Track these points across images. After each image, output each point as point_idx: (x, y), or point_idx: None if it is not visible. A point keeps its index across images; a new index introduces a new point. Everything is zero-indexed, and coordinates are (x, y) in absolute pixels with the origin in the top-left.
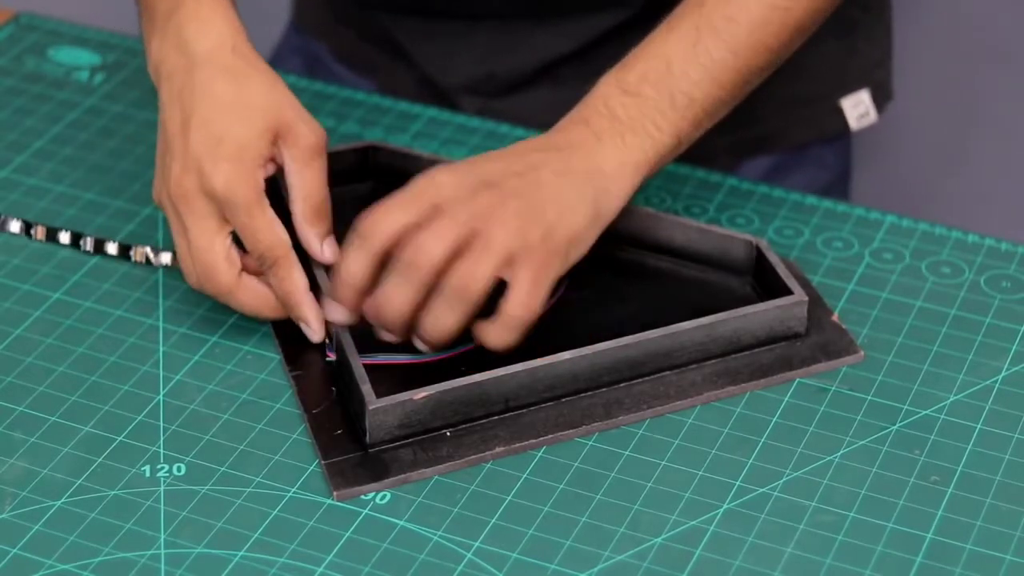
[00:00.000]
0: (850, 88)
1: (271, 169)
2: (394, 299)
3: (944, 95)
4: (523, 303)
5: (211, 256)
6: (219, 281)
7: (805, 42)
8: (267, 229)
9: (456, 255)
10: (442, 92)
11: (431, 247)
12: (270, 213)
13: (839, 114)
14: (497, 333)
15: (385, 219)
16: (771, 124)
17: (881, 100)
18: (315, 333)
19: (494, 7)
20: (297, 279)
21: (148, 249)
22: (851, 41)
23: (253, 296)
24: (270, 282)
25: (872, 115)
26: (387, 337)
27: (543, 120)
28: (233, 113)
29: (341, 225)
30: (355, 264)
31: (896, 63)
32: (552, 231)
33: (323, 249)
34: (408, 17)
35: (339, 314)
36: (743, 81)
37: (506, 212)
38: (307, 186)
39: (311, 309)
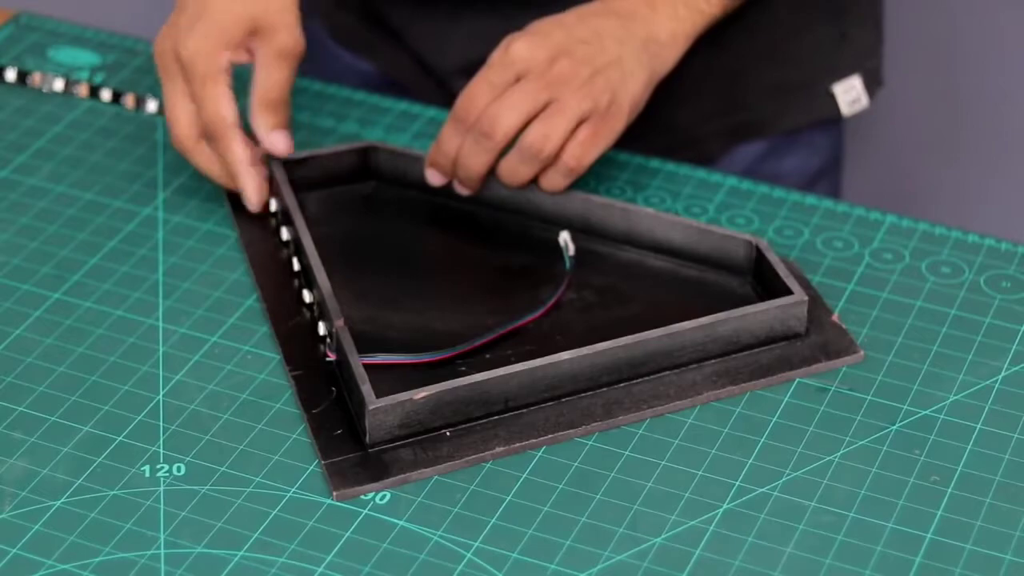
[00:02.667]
0: (841, 74)
1: (244, 57)
2: (472, 162)
3: (935, 82)
4: (578, 156)
5: (174, 115)
6: (179, 138)
7: (796, 27)
8: (213, 102)
9: (530, 119)
10: (438, 74)
11: (505, 118)
12: (223, 90)
13: (831, 99)
14: (551, 179)
15: (475, 100)
16: (763, 109)
17: (872, 86)
18: (252, 204)
19: None
20: (237, 152)
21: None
22: (842, 27)
23: (208, 160)
24: (216, 151)
25: (864, 101)
26: (464, 192)
27: None
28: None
29: (339, 223)
30: (449, 141)
31: (886, 50)
32: (617, 97)
33: (271, 137)
34: (401, 1)
35: (437, 179)
36: None
37: (579, 80)
38: (266, 82)
39: (251, 180)
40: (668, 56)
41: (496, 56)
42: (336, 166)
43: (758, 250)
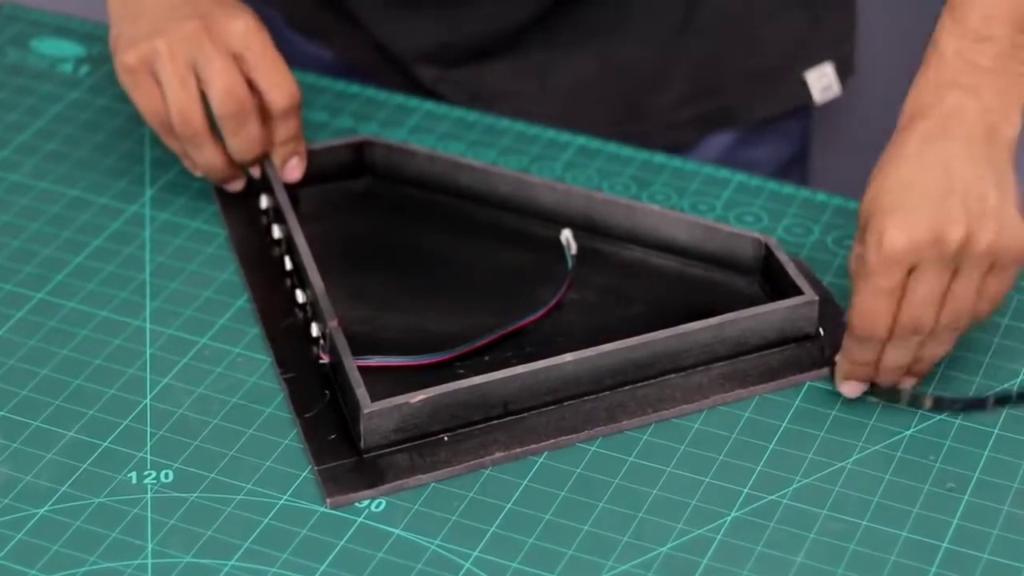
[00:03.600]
0: (814, 61)
1: None
2: (899, 362)
3: (907, 70)
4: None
5: (227, 83)
6: (244, 102)
7: (770, 12)
8: (288, 75)
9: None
10: (398, 60)
11: (928, 318)
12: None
13: (803, 87)
14: (931, 350)
15: (878, 319)
16: (735, 97)
17: (845, 74)
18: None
19: None
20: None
21: None
22: (815, 13)
23: (257, 133)
24: (281, 125)
25: (836, 88)
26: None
27: (504, 88)
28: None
29: (333, 221)
30: (862, 355)
31: (859, 37)
32: (1010, 226)
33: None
34: None
35: (856, 389)
36: None
37: (979, 247)
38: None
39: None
40: (1014, 149)
41: (872, 258)
42: (330, 161)
43: (767, 248)
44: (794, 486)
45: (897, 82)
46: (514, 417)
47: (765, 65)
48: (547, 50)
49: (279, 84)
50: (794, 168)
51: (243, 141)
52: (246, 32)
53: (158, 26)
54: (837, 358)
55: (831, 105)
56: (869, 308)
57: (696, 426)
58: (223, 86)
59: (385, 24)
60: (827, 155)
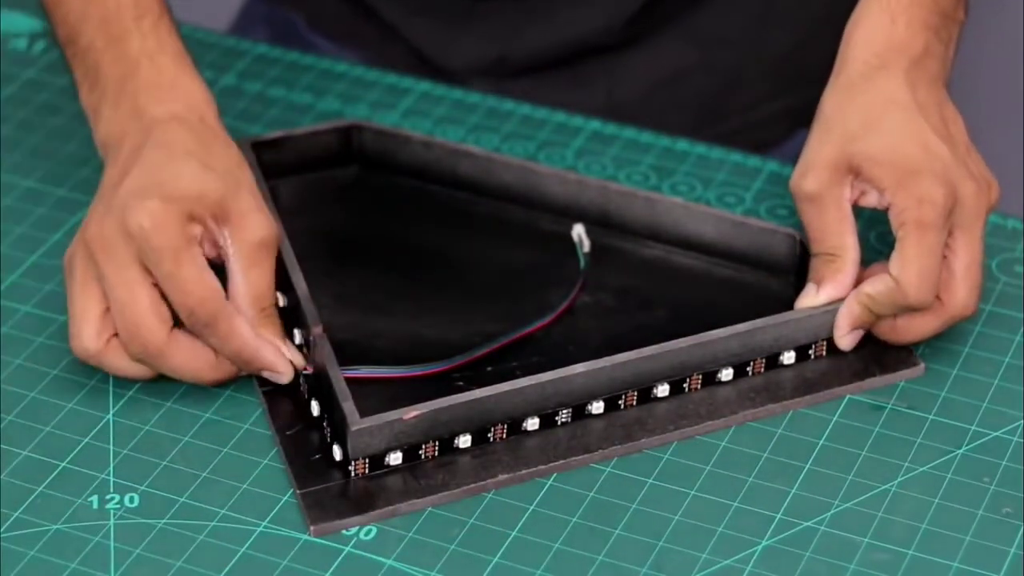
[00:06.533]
0: None
1: (208, 251)
2: (921, 331)
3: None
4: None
5: (136, 309)
6: (147, 340)
7: None
8: (197, 276)
9: None
10: (445, 71)
11: (975, 301)
12: (203, 262)
13: None
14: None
15: (935, 280)
16: (823, 84)
17: None
18: (284, 376)
19: None
20: (243, 330)
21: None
22: None
23: (190, 356)
24: (211, 343)
25: None
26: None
27: (567, 99)
28: (184, 165)
29: (317, 215)
30: (887, 308)
31: None
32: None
33: (286, 359)
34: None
35: (852, 340)
36: None
37: (988, 200)
38: (254, 289)
39: (270, 353)
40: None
41: (928, 212)
42: (314, 148)
43: (802, 246)
44: (832, 511)
45: (987, 75)
46: (519, 435)
47: None
48: (614, 56)
49: (188, 295)
50: None
51: (177, 367)
52: (141, 229)
53: (106, 201)
54: (846, 312)
55: None
56: (932, 269)
57: (723, 444)
58: (123, 318)
59: (428, 38)
60: None
